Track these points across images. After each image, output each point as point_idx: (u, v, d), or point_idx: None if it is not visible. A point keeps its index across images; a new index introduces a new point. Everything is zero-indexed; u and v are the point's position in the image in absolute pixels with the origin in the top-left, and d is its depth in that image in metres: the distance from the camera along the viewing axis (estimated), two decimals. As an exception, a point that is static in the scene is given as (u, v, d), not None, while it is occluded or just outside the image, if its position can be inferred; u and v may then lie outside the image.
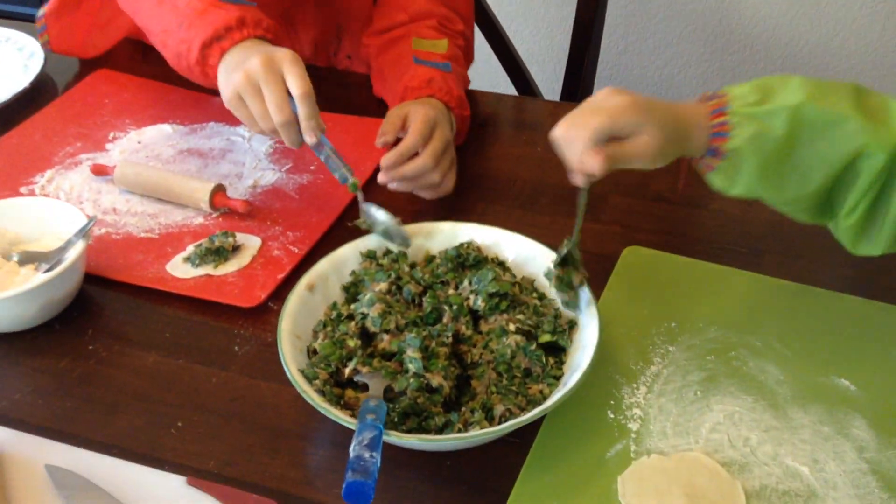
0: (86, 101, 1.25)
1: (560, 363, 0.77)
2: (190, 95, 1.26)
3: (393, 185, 0.98)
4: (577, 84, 1.62)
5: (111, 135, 1.19)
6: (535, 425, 0.76)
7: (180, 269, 0.95)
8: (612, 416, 0.77)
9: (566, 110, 0.78)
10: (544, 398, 0.74)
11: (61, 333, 0.89)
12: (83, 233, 0.89)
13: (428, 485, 0.73)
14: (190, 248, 0.97)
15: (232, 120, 1.21)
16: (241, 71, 0.91)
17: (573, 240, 0.80)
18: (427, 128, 0.98)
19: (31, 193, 1.08)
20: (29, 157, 1.15)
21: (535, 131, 1.20)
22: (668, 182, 1.08)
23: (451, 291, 0.81)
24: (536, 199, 1.07)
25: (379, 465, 0.64)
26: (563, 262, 0.80)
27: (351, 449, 0.65)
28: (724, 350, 0.83)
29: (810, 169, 0.77)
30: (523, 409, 0.72)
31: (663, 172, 0.85)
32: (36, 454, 0.75)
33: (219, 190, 1.04)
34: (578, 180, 0.77)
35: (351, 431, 0.74)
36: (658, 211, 1.04)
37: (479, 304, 0.78)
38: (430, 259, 0.89)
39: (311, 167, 1.12)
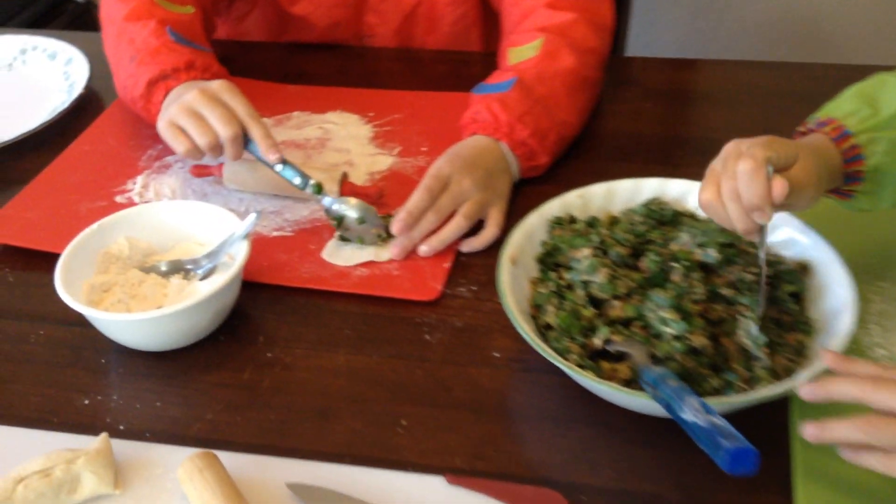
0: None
1: (801, 309, 0.74)
2: (265, 86, 1.18)
3: (424, 250, 0.88)
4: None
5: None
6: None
7: (340, 255, 0.88)
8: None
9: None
10: (803, 346, 0.70)
11: (230, 345, 0.81)
12: (245, 232, 0.81)
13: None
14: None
15: (316, 106, 1.14)
16: (177, 103, 0.92)
17: (760, 308, 0.71)
18: (436, 181, 0.89)
19: (130, 201, 0.98)
20: (110, 163, 1.05)
21: (627, 86, 1.18)
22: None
23: (675, 247, 0.76)
24: (669, 153, 1.04)
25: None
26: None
27: (686, 418, 0.60)
28: (933, 279, 0.82)
29: None
30: (794, 361, 0.69)
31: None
32: (269, 474, 0.67)
33: (345, 178, 0.97)
34: (759, 218, 0.67)
35: (610, 408, 0.70)
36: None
37: (713, 255, 0.74)
38: (612, 220, 0.84)
39: (423, 148, 1.06)
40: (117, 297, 0.79)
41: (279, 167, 0.91)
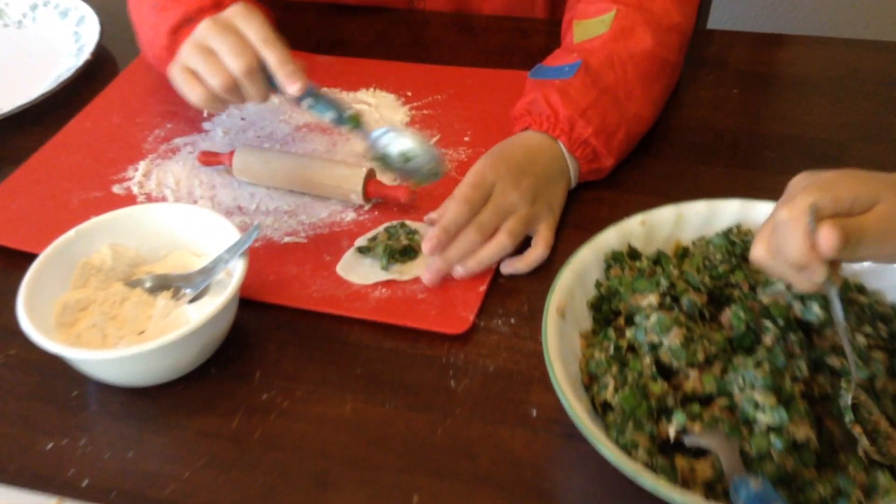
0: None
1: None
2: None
3: (458, 272, 0.74)
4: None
5: (206, 111, 0.97)
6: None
7: (357, 271, 0.75)
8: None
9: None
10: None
11: (221, 381, 0.69)
12: (243, 248, 0.68)
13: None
14: (361, 241, 0.77)
15: (349, 82, 1.00)
16: (188, 41, 0.78)
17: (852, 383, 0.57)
18: (476, 191, 0.75)
19: (128, 192, 0.86)
20: (112, 144, 0.93)
21: (708, 67, 1.00)
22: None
23: (766, 299, 0.61)
24: (759, 153, 0.87)
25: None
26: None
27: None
28: None
29: None
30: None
31: None
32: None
33: (371, 175, 0.83)
34: (816, 275, 0.53)
35: None
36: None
37: (816, 313, 0.58)
38: (682, 252, 0.69)
39: (465, 138, 0.91)
40: (94, 319, 0.68)
41: (306, 103, 0.75)
